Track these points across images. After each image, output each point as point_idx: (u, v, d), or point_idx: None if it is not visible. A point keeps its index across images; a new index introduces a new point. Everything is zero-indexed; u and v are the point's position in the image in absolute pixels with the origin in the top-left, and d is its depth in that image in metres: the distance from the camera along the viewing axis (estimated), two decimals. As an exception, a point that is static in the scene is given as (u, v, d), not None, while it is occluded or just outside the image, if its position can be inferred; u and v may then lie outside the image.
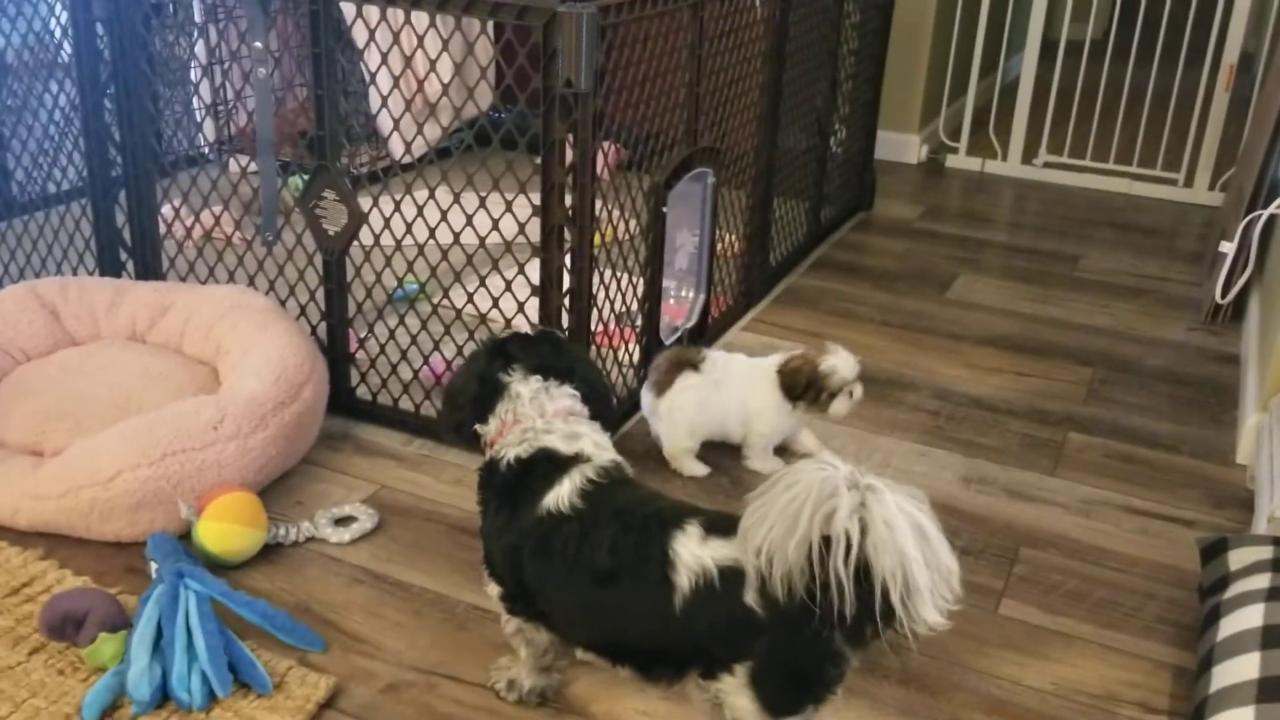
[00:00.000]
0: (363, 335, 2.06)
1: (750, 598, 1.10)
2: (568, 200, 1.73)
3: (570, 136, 1.69)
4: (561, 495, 1.25)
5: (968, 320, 2.60)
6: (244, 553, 1.60)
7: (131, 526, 1.62)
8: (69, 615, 1.40)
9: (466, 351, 1.92)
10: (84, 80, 2.09)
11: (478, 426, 1.36)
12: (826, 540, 1.02)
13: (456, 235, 1.83)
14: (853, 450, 2.00)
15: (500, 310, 1.88)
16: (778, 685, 1.13)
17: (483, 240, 1.82)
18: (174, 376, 1.92)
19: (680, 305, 2.29)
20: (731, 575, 1.12)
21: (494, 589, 1.34)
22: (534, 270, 1.81)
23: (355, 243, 1.94)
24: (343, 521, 1.73)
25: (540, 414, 1.32)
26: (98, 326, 2.07)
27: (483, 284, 1.87)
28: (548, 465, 1.27)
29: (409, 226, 1.87)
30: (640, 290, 2.04)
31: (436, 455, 1.94)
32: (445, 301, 1.98)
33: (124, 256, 2.25)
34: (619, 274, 1.97)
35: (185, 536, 1.61)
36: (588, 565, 1.21)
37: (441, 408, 1.43)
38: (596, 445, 1.31)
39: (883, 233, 3.19)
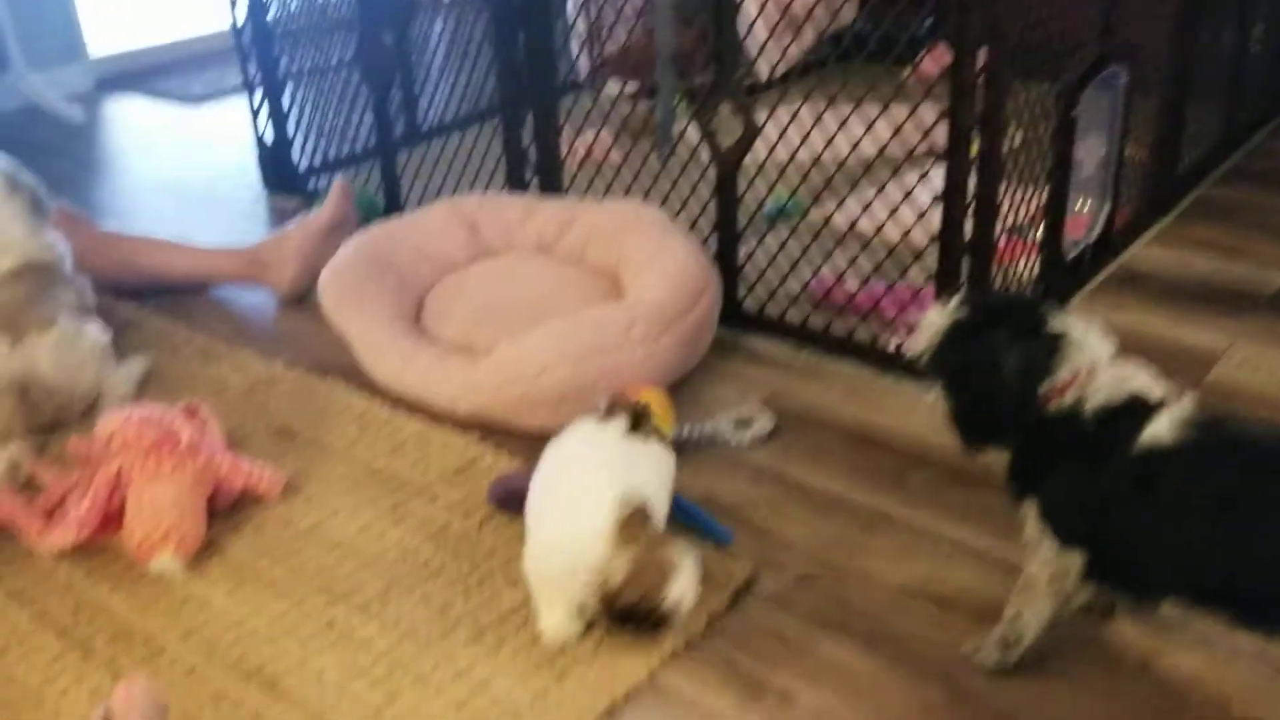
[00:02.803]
0: (749, 248, 2.10)
1: None
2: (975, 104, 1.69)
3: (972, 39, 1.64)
4: (1160, 430, 1.14)
5: None
6: (657, 446, 1.70)
7: (554, 418, 1.75)
8: (515, 491, 1.55)
9: (860, 265, 1.92)
10: (495, 6, 2.24)
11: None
12: None
13: (855, 145, 1.83)
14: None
15: (897, 221, 1.86)
16: None
17: (881, 150, 1.81)
18: (581, 285, 2.05)
19: (1076, 219, 2.18)
20: None
21: (1056, 555, 1.22)
22: (922, 186, 1.78)
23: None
24: (742, 423, 1.79)
25: (1105, 358, 1.21)
26: (511, 239, 2.24)
27: (881, 192, 1.86)
28: (1137, 407, 1.17)
29: (803, 139, 1.89)
30: (1042, 200, 1.96)
31: (825, 366, 1.96)
32: (828, 216, 1.99)
33: (528, 175, 2.41)
34: (1015, 185, 1.90)
35: (603, 430, 1.73)
36: (1211, 496, 1.12)
37: (976, 395, 1.25)
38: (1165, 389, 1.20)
39: (1304, 140, 2.88)
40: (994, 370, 1.22)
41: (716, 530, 1.54)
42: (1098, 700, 1.27)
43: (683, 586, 1.31)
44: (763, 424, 1.78)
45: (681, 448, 1.73)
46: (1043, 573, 1.24)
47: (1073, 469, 1.20)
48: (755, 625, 1.40)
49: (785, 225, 2.09)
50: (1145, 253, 2.28)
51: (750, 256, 2.10)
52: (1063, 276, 2.07)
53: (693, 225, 2.15)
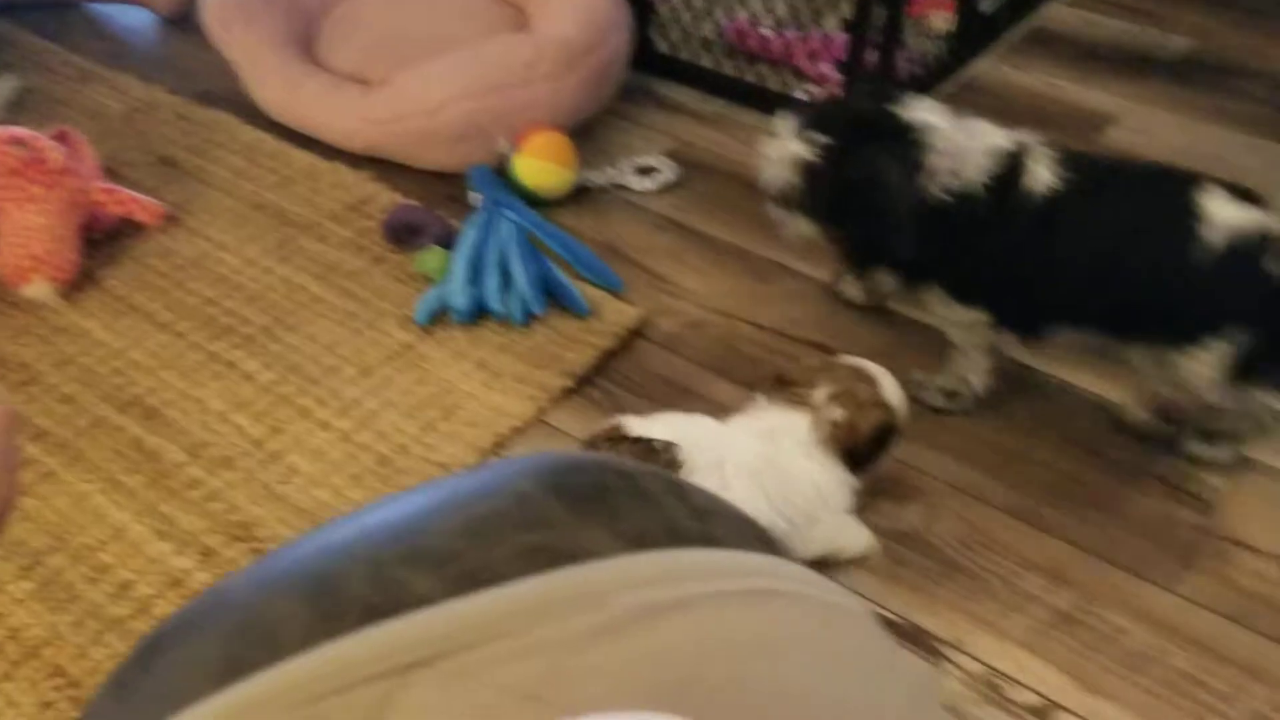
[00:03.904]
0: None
1: (1272, 264, 1.12)
2: None
3: None
4: (1040, 175, 1.17)
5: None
6: (556, 190, 1.67)
7: (451, 157, 1.71)
8: (410, 223, 1.53)
9: (777, 12, 1.85)
10: None
11: None
12: None
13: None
14: (1180, 142, 1.86)
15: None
16: (1260, 354, 1.15)
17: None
18: (485, 16, 1.95)
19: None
20: (1260, 239, 1.12)
21: (970, 315, 1.27)
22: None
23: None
24: (645, 171, 1.76)
25: (959, 129, 1.20)
26: (411, -35, 2.11)
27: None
28: (1010, 160, 1.19)
29: None
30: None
31: (733, 115, 1.92)
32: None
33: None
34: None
35: (501, 172, 1.69)
36: (1103, 227, 1.17)
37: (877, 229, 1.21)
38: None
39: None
40: (882, 193, 1.17)
41: (607, 276, 1.54)
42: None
43: (889, 388, 1.18)
44: (666, 174, 1.75)
45: (584, 193, 1.71)
46: (964, 337, 1.29)
47: (972, 243, 1.20)
48: (643, 367, 1.42)
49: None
50: (1058, 11, 2.23)
51: (665, -4, 2.01)
52: (976, 31, 2.03)
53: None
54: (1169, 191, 1.17)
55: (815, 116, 1.22)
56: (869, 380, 1.16)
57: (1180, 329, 1.17)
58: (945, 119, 1.20)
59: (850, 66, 1.79)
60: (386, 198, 1.66)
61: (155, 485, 1.21)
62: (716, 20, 1.96)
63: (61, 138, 1.59)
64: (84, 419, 1.29)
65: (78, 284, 1.47)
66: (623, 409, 1.34)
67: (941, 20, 1.98)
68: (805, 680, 0.29)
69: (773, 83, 1.90)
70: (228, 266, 1.52)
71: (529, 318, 1.45)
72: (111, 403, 1.31)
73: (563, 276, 1.49)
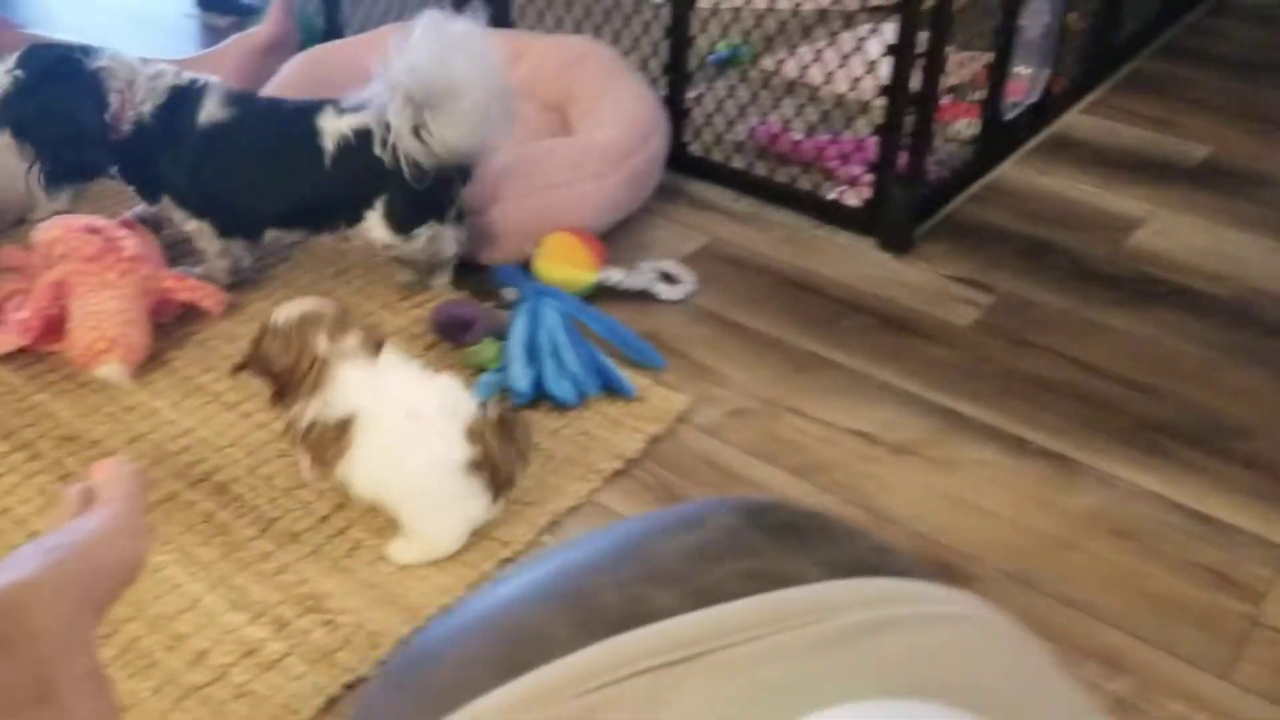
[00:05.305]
0: (698, 92, 2.11)
1: (378, 150, 1.51)
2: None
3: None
4: (210, 109, 1.56)
5: (1333, 117, 2.39)
6: (576, 291, 1.69)
7: (499, 254, 1.77)
8: (457, 318, 1.58)
9: (806, 115, 1.94)
10: None
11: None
12: None
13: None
14: (1205, 244, 1.92)
15: (845, 73, 1.88)
16: (404, 211, 1.58)
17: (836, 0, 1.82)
18: (529, 120, 2.04)
19: (1016, 82, 2.22)
20: (365, 136, 1.53)
21: (196, 224, 1.64)
22: (873, 39, 1.79)
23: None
24: (669, 279, 1.78)
25: (138, 70, 1.56)
26: (458, 70, 2.21)
27: (832, 43, 1.88)
28: (182, 95, 1.57)
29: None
30: (986, 61, 1.98)
31: (765, 214, 2.00)
32: (779, 64, 2.00)
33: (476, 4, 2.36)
34: (961, 45, 1.92)
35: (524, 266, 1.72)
36: (255, 149, 1.57)
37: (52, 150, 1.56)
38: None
39: (1242, 18, 2.92)
40: (56, 122, 1.53)
41: (649, 355, 1.59)
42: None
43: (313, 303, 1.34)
44: (687, 285, 1.76)
45: (608, 292, 1.73)
46: (202, 242, 1.65)
47: (164, 160, 1.58)
48: (689, 452, 1.46)
49: (734, 72, 2.09)
50: (1078, 120, 2.33)
51: (699, 101, 2.10)
52: (1000, 137, 2.11)
53: (643, 66, 2.14)
54: (298, 119, 1.57)
55: (23, 55, 1.55)
56: (318, 307, 1.31)
57: (347, 213, 1.60)
58: (124, 65, 1.56)
59: (881, 168, 1.87)
60: (443, 287, 1.72)
61: (227, 558, 1.25)
62: (747, 124, 2.04)
63: (129, 225, 1.67)
64: (157, 492, 1.33)
65: (147, 366, 1.53)
66: (670, 491, 1.39)
67: (967, 126, 2.08)
68: (1010, 690, 0.33)
69: (803, 183, 1.98)
70: (289, 350, 1.58)
71: (582, 399, 1.50)
72: (183, 478, 1.36)
73: (608, 361, 1.54)
